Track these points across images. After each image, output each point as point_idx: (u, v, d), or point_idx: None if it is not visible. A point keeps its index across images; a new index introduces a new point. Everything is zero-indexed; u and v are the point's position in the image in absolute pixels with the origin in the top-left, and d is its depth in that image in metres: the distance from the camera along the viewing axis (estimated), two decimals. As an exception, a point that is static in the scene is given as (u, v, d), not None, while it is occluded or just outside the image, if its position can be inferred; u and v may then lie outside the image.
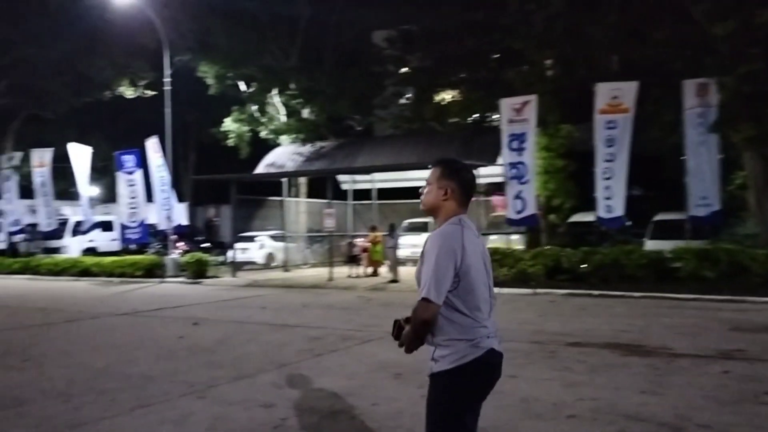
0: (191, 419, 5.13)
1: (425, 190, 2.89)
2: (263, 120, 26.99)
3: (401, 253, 17.89)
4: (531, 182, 15.55)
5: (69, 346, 8.65)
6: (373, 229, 18.79)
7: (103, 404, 5.58)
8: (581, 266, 14.01)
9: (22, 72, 26.32)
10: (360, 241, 20.02)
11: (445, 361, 2.66)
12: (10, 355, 8.01)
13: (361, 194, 25.41)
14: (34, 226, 26.71)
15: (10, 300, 14.68)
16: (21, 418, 5.20)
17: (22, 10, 24.82)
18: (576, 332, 8.72)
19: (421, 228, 20.51)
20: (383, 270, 18.30)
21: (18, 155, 26.78)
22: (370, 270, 18.60)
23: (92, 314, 11.89)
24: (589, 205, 15.90)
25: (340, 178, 24.42)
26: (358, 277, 18.14)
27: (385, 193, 24.97)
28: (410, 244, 18.78)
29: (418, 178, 21.76)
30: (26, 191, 27.54)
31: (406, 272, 16.71)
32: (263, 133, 27.05)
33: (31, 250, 25.57)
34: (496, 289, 2.87)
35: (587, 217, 16.51)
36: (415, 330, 2.72)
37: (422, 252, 2.74)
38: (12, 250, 25.97)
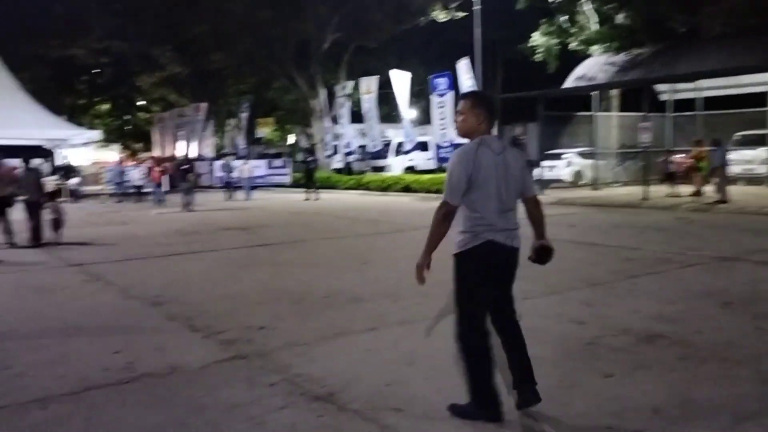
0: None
1: (460, 119, 3.49)
2: (573, 31, 25.73)
3: (731, 170, 15.80)
4: None
5: (396, 252, 9.70)
6: (698, 143, 16.85)
7: (428, 305, 6.19)
8: None
9: (351, 6, 29.11)
10: (679, 157, 18.19)
11: (456, 246, 3.44)
12: (351, 258, 9.33)
13: (683, 105, 22.87)
14: (363, 147, 30.12)
15: (349, 212, 16.97)
16: (360, 312, 6.07)
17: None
18: None
19: (757, 141, 17.77)
20: (708, 189, 16.44)
21: (349, 84, 30.13)
22: (692, 189, 16.88)
23: (414, 226, 13.12)
24: None
25: (658, 88, 22.27)
26: (677, 196, 16.62)
27: (711, 103, 22.08)
28: (743, 160, 16.46)
29: (755, 83, 18.69)
30: (356, 116, 31.04)
31: (737, 192, 14.77)
32: (572, 45, 25.85)
33: (362, 169, 28.94)
34: None
35: None
36: (431, 225, 3.45)
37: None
38: (347, 169, 29.77)
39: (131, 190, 23.25)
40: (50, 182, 16.13)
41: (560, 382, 4.06)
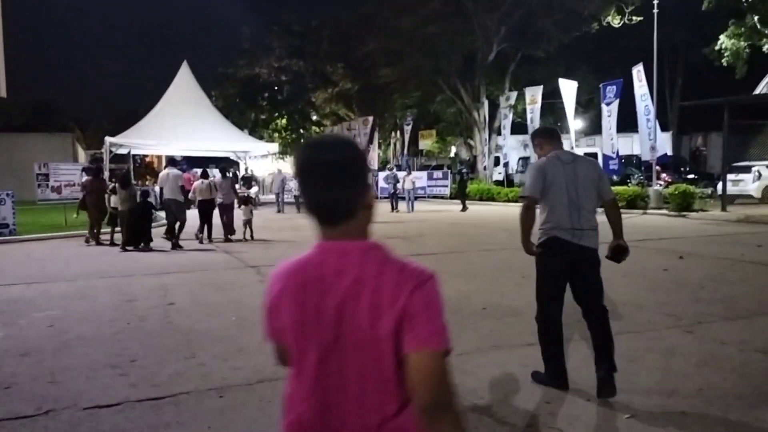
0: (679, 351, 5.01)
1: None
2: (766, 32, 23.27)
3: None
4: None
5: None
6: None
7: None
8: None
9: (518, 17, 28.75)
10: None
11: (536, 239, 4.08)
12: (510, 271, 9.17)
13: None
14: (526, 159, 29.52)
15: (507, 224, 16.68)
16: (517, 326, 5.93)
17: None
18: None
19: None
20: None
21: (513, 95, 29.74)
22: None
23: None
24: None
25: None
26: None
27: None
28: None
29: None
30: (519, 127, 30.51)
31: None
32: (766, 48, 23.38)
33: (523, 181, 28.34)
34: None
35: None
36: (519, 216, 4.14)
37: None
38: (507, 181, 29.33)
39: (291, 199, 24.60)
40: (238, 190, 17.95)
41: (744, 415, 3.67)
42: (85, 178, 14.98)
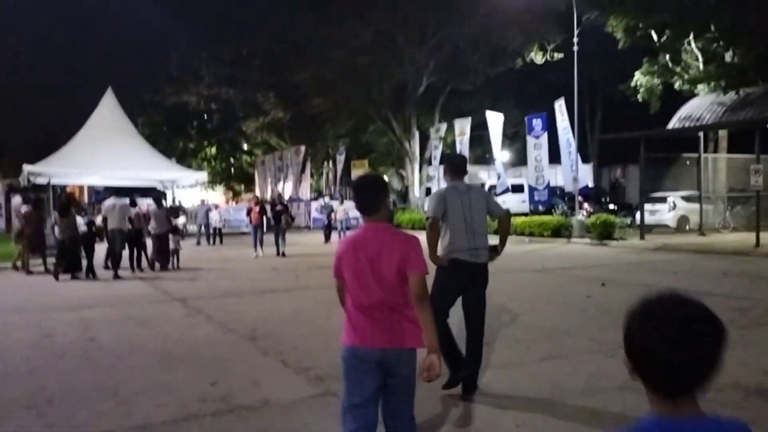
0: (603, 376, 5.19)
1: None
2: (677, 70, 24.85)
3: None
4: None
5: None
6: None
7: (518, 351, 6.06)
8: None
9: (447, 51, 29.60)
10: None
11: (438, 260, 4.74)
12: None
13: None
14: (429, 189, 30.11)
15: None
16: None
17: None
18: None
19: None
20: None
21: (443, 126, 30.43)
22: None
23: (504, 268, 12.90)
24: None
25: (772, 128, 20.93)
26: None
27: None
28: None
29: None
30: (448, 158, 31.20)
31: None
32: (677, 85, 24.94)
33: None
34: None
35: None
36: (426, 234, 4.74)
37: None
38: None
39: (211, 231, 23.07)
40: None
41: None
42: (24, 208, 14.70)
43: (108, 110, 25.52)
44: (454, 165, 5.05)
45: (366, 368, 2.87)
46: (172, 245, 14.33)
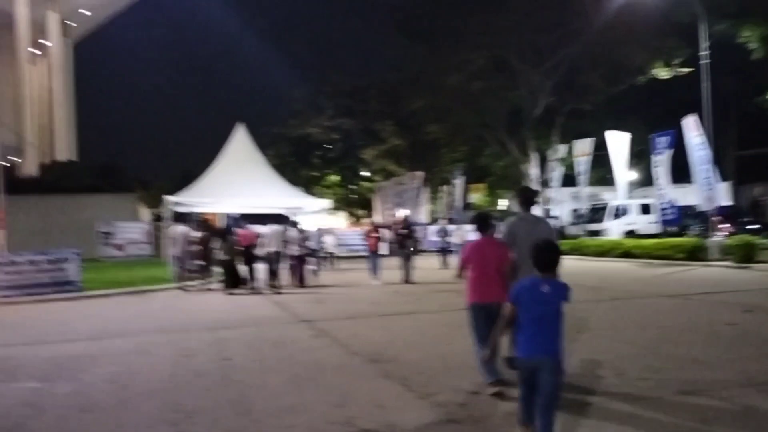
0: (753, 413, 4.76)
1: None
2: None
3: None
4: None
5: (617, 321, 9.11)
6: None
7: (656, 382, 5.70)
8: None
9: (564, 71, 28.92)
10: None
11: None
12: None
13: None
14: (576, 210, 29.10)
15: (565, 277, 16.37)
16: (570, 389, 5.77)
17: (559, 13, 27.25)
18: None
19: None
20: None
21: (562, 148, 29.62)
22: None
23: (636, 294, 12.23)
24: None
25: None
26: None
27: None
28: None
29: None
30: (569, 179, 30.24)
31: None
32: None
33: (576, 233, 27.89)
34: None
35: None
36: None
37: None
38: (560, 233, 28.87)
39: (324, 255, 23.68)
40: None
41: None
42: (193, 233, 16.67)
43: (239, 143, 27.16)
44: (524, 196, 5.67)
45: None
46: (306, 266, 16.19)
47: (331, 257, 23.71)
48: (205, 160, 29.26)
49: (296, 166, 45.19)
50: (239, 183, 24.81)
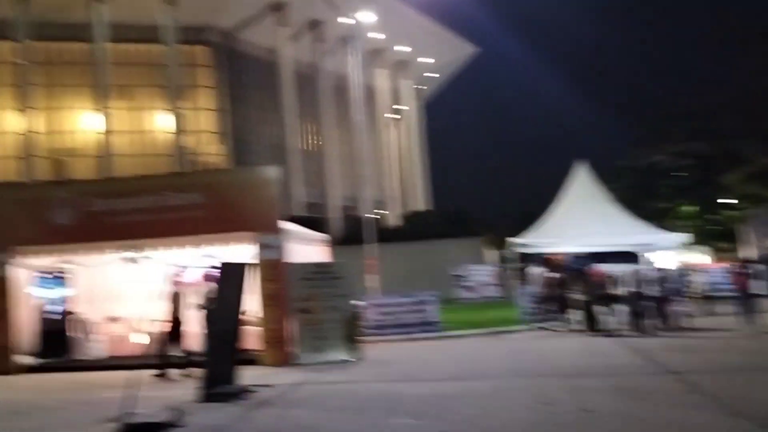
0: None
1: None
2: None
3: None
4: None
5: None
6: None
7: None
8: None
9: None
10: None
11: None
12: None
13: None
14: None
15: None
16: None
17: None
18: None
19: None
20: None
21: None
22: None
23: None
24: None
25: None
26: None
27: None
28: None
29: None
30: None
31: None
32: None
33: None
34: None
35: None
36: None
37: None
38: None
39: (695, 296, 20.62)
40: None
41: None
42: (552, 274, 17.31)
43: (581, 181, 26.69)
44: None
45: None
46: (673, 308, 14.82)
47: (701, 298, 21.05)
48: (542, 200, 29.46)
49: (641, 198, 42.55)
50: (583, 221, 24.33)
